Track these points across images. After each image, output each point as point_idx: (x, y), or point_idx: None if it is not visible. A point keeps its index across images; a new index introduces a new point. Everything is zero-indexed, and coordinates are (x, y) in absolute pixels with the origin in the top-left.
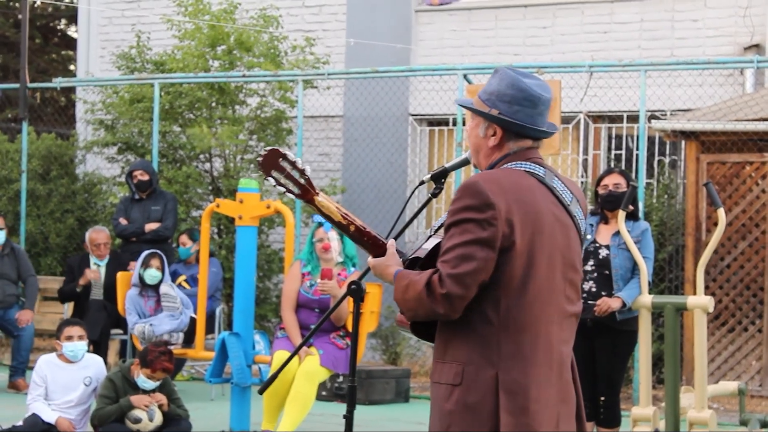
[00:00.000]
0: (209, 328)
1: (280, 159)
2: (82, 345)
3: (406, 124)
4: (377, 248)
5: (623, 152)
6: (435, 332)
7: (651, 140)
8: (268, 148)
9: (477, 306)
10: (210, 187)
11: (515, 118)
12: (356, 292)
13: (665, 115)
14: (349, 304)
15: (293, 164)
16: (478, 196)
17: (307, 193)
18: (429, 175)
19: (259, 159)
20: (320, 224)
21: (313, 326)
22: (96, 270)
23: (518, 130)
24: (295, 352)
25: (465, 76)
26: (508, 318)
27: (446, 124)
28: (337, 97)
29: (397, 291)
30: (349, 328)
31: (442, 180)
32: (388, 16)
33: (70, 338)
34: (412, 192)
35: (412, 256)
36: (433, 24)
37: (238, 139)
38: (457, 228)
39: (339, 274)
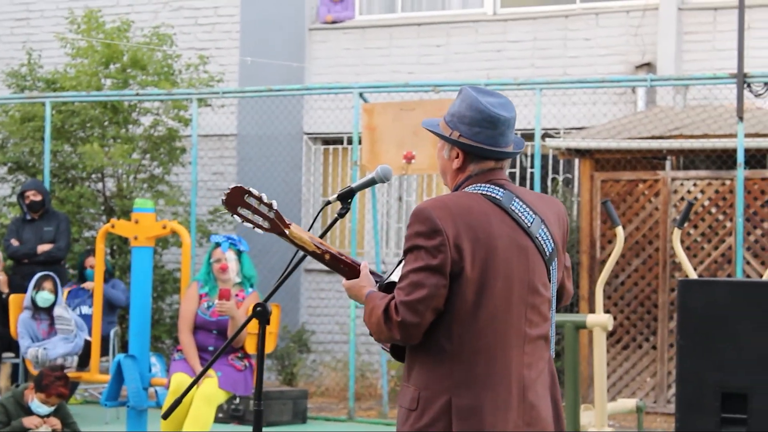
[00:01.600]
0: (103, 351)
1: (245, 195)
2: None
3: (301, 142)
4: (355, 273)
5: (517, 170)
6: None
7: (545, 158)
8: (231, 186)
9: (432, 332)
10: (103, 207)
11: (475, 140)
12: (262, 314)
13: (559, 133)
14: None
15: (259, 199)
16: (426, 222)
17: (277, 226)
18: (335, 196)
19: (223, 198)
20: (217, 244)
21: (211, 348)
22: None
23: (478, 152)
24: (198, 377)
25: (361, 95)
26: (461, 343)
27: (341, 142)
28: (231, 115)
29: (365, 313)
30: (248, 350)
31: (349, 200)
32: (282, 34)
33: None
34: (318, 213)
35: (388, 280)
36: (327, 42)
37: (131, 158)
38: (410, 255)
39: (237, 295)
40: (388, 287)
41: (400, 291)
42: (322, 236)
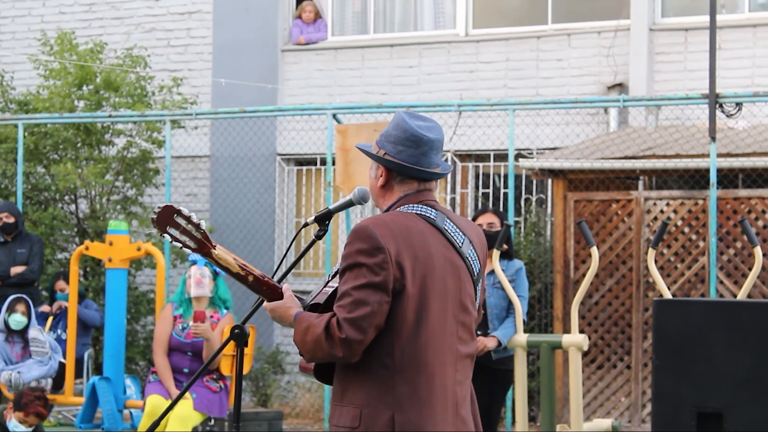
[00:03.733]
0: (77, 373)
1: (175, 215)
2: None
3: (274, 163)
4: (276, 296)
5: (490, 191)
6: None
7: (518, 178)
8: (162, 204)
9: (372, 349)
10: (76, 229)
11: (398, 158)
12: (240, 336)
13: (531, 153)
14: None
15: (188, 219)
16: (369, 240)
17: (203, 246)
18: (313, 217)
19: (153, 216)
20: (194, 262)
21: (186, 369)
22: None
23: (400, 170)
24: (176, 401)
25: (334, 116)
26: (402, 360)
27: (314, 163)
28: (204, 137)
29: (296, 333)
30: (222, 371)
31: (327, 222)
32: (255, 56)
33: None
34: (296, 234)
35: (312, 302)
36: (300, 63)
37: (104, 179)
38: (350, 272)
39: (211, 317)
40: (312, 308)
41: (341, 308)
42: (298, 259)
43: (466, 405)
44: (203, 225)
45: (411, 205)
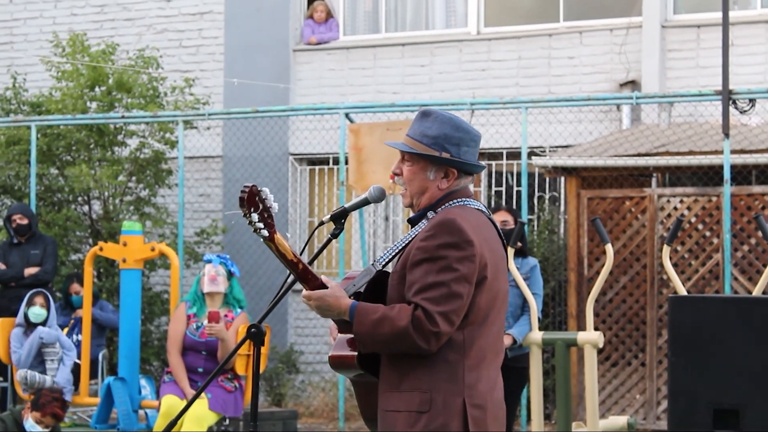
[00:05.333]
0: (92, 374)
1: (256, 197)
2: None
3: (287, 163)
4: (320, 287)
5: (503, 189)
6: (377, 366)
7: (531, 176)
8: (248, 184)
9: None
10: (89, 230)
11: (465, 158)
12: (256, 335)
13: (544, 151)
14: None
15: (263, 202)
16: (457, 233)
17: (272, 230)
18: (328, 216)
19: (242, 195)
20: (209, 261)
21: (200, 369)
22: None
23: (470, 170)
24: (192, 402)
25: (347, 115)
26: (472, 347)
27: (327, 163)
28: (216, 137)
29: (363, 324)
30: (237, 371)
31: (342, 221)
32: (266, 56)
33: None
34: (312, 233)
35: (356, 290)
36: (312, 63)
37: (117, 181)
38: (433, 264)
39: (226, 316)
40: (355, 296)
41: (430, 302)
42: (315, 257)
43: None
44: (275, 208)
45: (465, 199)
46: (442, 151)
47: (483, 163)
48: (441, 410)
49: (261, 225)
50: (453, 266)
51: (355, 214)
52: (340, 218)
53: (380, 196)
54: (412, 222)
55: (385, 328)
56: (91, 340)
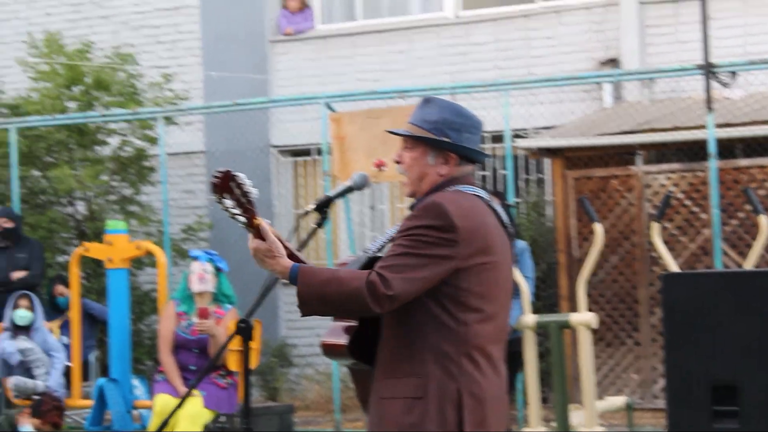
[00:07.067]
0: (84, 375)
1: (230, 181)
2: None
3: (269, 156)
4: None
5: (489, 172)
6: (370, 354)
7: (516, 159)
8: (222, 169)
9: (438, 321)
10: (75, 231)
11: (467, 144)
12: (245, 330)
13: (527, 133)
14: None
15: (240, 187)
16: (442, 217)
17: (251, 215)
18: (313, 205)
19: (214, 181)
20: (195, 258)
21: (192, 366)
22: None
23: (470, 155)
24: (184, 399)
25: (328, 105)
26: (468, 334)
27: (309, 154)
28: (198, 132)
29: (308, 285)
30: (230, 367)
31: (326, 209)
32: (244, 49)
33: None
34: (297, 223)
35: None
36: (289, 54)
37: (100, 180)
38: (406, 239)
39: (215, 312)
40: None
41: (389, 269)
42: (302, 246)
43: (506, 381)
44: (254, 194)
45: (465, 185)
46: (441, 136)
47: (482, 151)
48: (435, 397)
49: (236, 210)
50: (425, 243)
51: (341, 204)
52: (324, 207)
53: (364, 183)
54: (412, 209)
55: (332, 288)
56: (81, 341)
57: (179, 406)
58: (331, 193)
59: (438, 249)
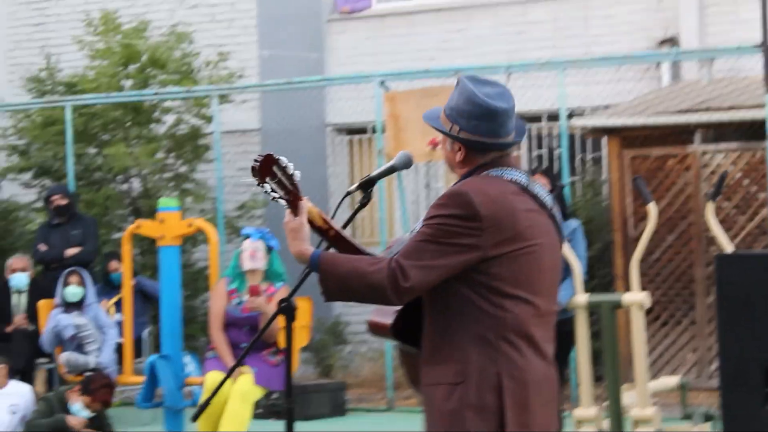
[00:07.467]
0: (138, 352)
1: (273, 165)
2: None
3: (324, 134)
4: (352, 252)
5: (545, 152)
6: (418, 336)
7: (572, 138)
8: (263, 153)
9: (474, 307)
10: (130, 208)
11: (476, 133)
12: (287, 310)
13: (584, 112)
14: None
15: (284, 169)
16: (466, 206)
17: (295, 198)
18: (355, 186)
19: (255, 165)
20: (247, 236)
21: (243, 344)
22: (24, 317)
23: (479, 146)
24: (228, 376)
25: (382, 83)
26: (506, 318)
27: (364, 132)
28: (253, 111)
29: (333, 275)
30: (281, 345)
31: (369, 189)
32: (300, 27)
33: None
34: (339, 203)
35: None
36: (346, 33)
37: (156, 158)
38: (428, 228)
39: (266, 290)
40: None
41: (408, 257)
42: (345, 226)
43: (554, 364)
44: (297, 176)
45: (498, 169)
46: (453, 124)
47: (508, 139)
48: (477, 382)
49: (277, 194)
50: (447, 232)
51: (395, 183)
52: (367, 187)
53: (407, 163)
54: None
55: (354, 281)
56: (134, 318)
57: (224, 380)
58: (374, 173)
59: (461, 238)
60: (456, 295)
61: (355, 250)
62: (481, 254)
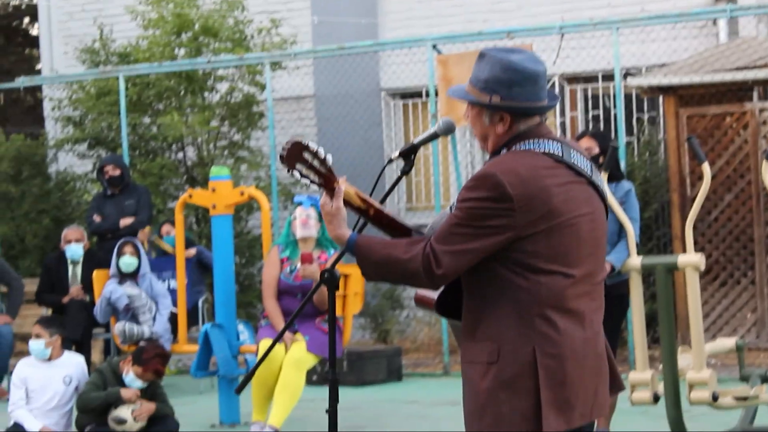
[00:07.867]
0: (193, 320)
1: (303, 151)
2: (39, 343)
3: (379, 99)
4: (396, 232)
5: (600, 112)
6: (460, 310)
7: (628, 98)
8: (291, 141)
9: (508, 284)
10: (185, 177)
11: (519, 99)
12: (330, 280)
13: (640, 71)
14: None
15: (315, 154)
16: (496, 188)
17: (329, 182)
18: (397, 153)
19: (283, 153)
20: (299, 203)
21: None
22: (79, 288)
23: (525, 112)
24: (272, 346)
25: (434, 46)
26: (540, 294)
27: (419, 96)
28: (306, 77)
29: (370, 261)
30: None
31: (412, 156)
32: None
33: (36, 337)
34: (381, 170)
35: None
36: None
37: (210, 126)
38: (460, 212)
39: (319, 257)
40: None
41: (441, 242)
42: (385, 197)
43: (601, 337)
44: (329, 159)
45: (531, 140)
46: (492, 95)
47: (547, 102)
48: (510, 361)
49: (307, 180)
50: (478, 215)
51: (449, 146)
52: (409, 154)
53: (449, 128)
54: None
55: (390, 267)
56: (190, 287)
57: (272, 346)
58: (416, 140)
59: (492, 220)
60: (491, 273)
61: (398, 226)
62: (514, 234)
